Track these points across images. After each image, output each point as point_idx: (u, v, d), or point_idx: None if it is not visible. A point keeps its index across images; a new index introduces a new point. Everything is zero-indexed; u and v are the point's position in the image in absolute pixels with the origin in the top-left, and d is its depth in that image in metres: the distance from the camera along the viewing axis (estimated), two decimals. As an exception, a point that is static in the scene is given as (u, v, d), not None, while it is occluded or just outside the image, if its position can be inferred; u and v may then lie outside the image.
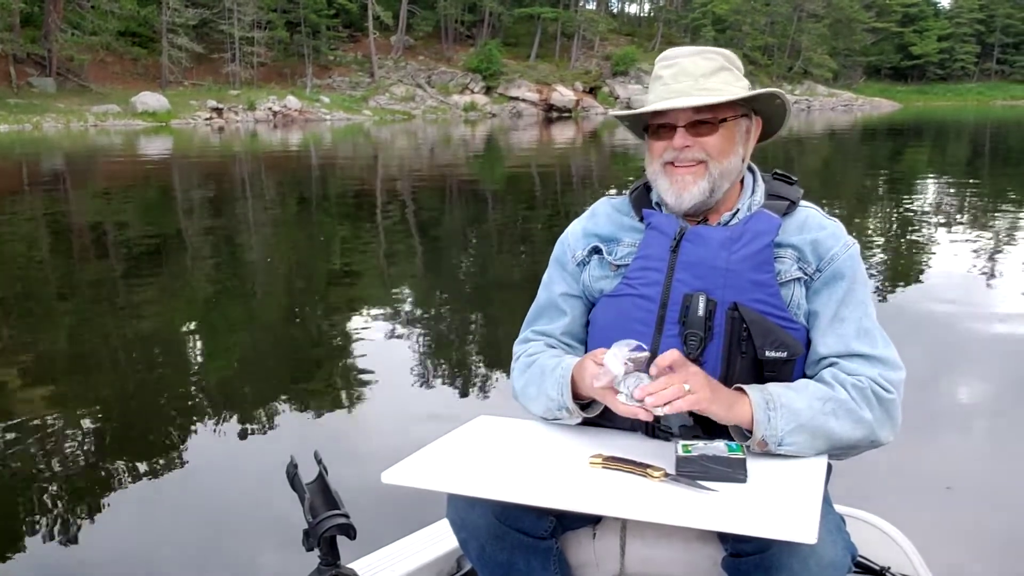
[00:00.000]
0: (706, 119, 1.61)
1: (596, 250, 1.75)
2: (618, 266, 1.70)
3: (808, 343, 1.62)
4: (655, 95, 1.65)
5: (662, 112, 1.63)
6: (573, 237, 1.80)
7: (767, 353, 1.54)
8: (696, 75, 1.61)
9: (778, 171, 1.74)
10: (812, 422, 1.49)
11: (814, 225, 1.64)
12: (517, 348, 1.82)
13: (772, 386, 1.53)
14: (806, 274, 1.61)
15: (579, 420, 1.66)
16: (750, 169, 1.73)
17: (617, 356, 1.46)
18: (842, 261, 1.61)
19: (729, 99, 1.60)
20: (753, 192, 1.69)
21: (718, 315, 1.56)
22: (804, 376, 1.63)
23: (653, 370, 1.48)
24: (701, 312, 1.56)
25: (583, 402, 1.63)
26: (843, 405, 1.51)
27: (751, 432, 1.48)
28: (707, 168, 1.62)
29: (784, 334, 1.55)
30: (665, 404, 1.42)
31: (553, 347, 1.77)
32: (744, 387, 1.52)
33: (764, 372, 1.56)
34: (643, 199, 1.75)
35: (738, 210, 1.67)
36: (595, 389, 1.52)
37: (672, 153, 1.63)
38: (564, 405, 1.62)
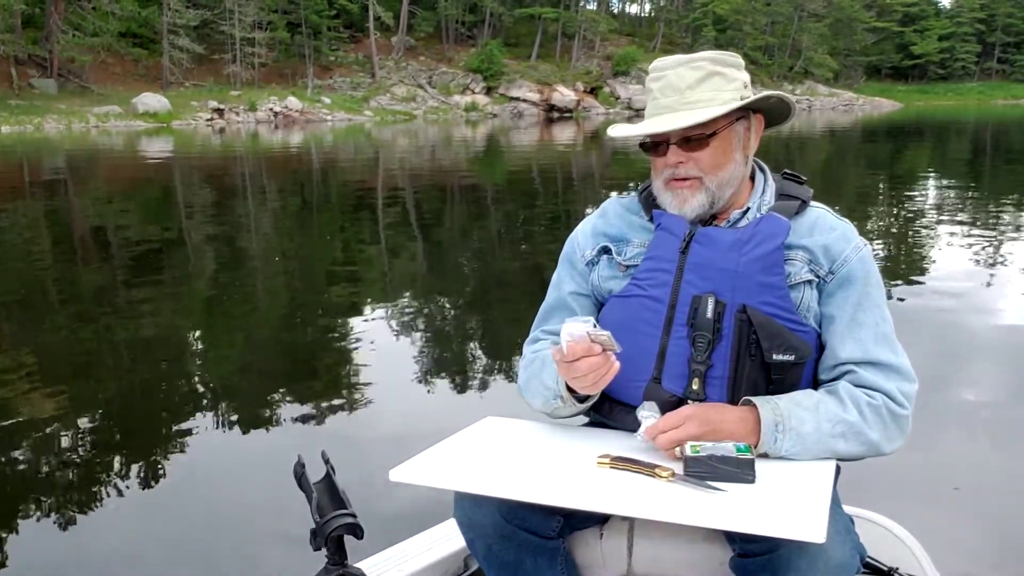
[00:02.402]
0: (695, 135, 1.61)
1: (605, 250, 1.74)
2: (627, 266, 1.70)
3: (819, 346, 1.61)
4: (647, 110, 1.66)
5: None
6: (583, 236, 1.80)
7: (775, 356, 1.53)
8: (681, 88, 1.60)
9: (787, 171, 1.73)
10: (818, 444, 1.50)
11: (825, 227, 1.63)
12: (527, 348, 1.83)
13: (784, 404, 1.51)
14: (818, 276, 1.60)
15: (574, 411, 1.66)
16: (760, 168, 1.73)
17: (571, 334, 1.48)
18: (854, 263, 1.60)
19: (711, 117, 1.58)
20: (763, 191, 1.68)
21: (727, 317, 1.55)
22: (815, 377, 1.63)
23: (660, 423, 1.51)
24: (710, 314, 1.55)
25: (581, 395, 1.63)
26: (852, 428, 1.51)
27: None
28: (702, 183, 1.62)
29: (793, 337, 1.55)
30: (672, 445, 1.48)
31: None
32: (756, 404, 1.51)
33: (772, 375, 1.55)
34: (652, 199, 1.74)
35: (748, 209, 1.66)
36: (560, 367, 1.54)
37: (669, 170, 1.64)
38: (559, 393, 1.62)
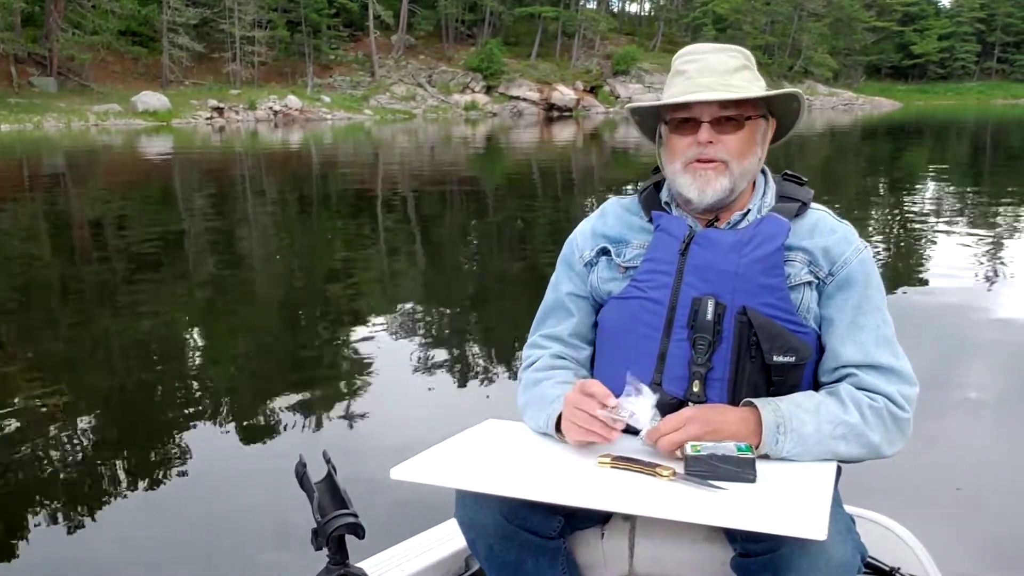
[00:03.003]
0: (732, 116, 1.59)
1: (604, 251, 1.73)
2: (626, 268, 1.69)
3: (819, 348, 1.61)
4: (678, 89, 1.62)
5: (686, 106, 1.60)
6: (582, 237, 1.79)
7: (775, 358, 1.53)
8: (721, 71, 1.60)
9: (788, 172, 1.73)
10: (819, 446, 1.49)
11: (825, 229, 1.63)
12: (526, 353, 1.82)
13: (785, 405, 1.51)
14: (818, 278, 1.60)
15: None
16: (761, 170, 1.72)
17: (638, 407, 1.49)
18: (854, 265, 1.60)
19: (759, 96, 1.59)
20: (764, 193, 1.68)
21: (727, 319, 1.55)
22: (815, 379, 1.63)
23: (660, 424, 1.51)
24: (710, 316, 1.55)
25: None
26: (853, 430, 1.50)
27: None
28: (728, 167, 1.60)
29: (793, 339, 1.54)
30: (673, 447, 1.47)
31: (561, 356, 1.76)
32: (757, 405, 1.51)
33: (772, 376, 1.55)
34: (652, 199, 1.74)
35: (749, 211, 1.65)
36: (570, 435, 1.55)
37: (696, 150, 1.60)
38: (548, 434, 1.63)
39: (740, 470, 1.39)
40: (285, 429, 4.10)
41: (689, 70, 1.62)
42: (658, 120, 1.70)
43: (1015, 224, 10.52)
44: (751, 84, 1.61)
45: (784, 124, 1.71)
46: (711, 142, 1.59)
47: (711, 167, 1.60)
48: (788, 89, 1.63)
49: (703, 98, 1.57)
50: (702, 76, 1.60)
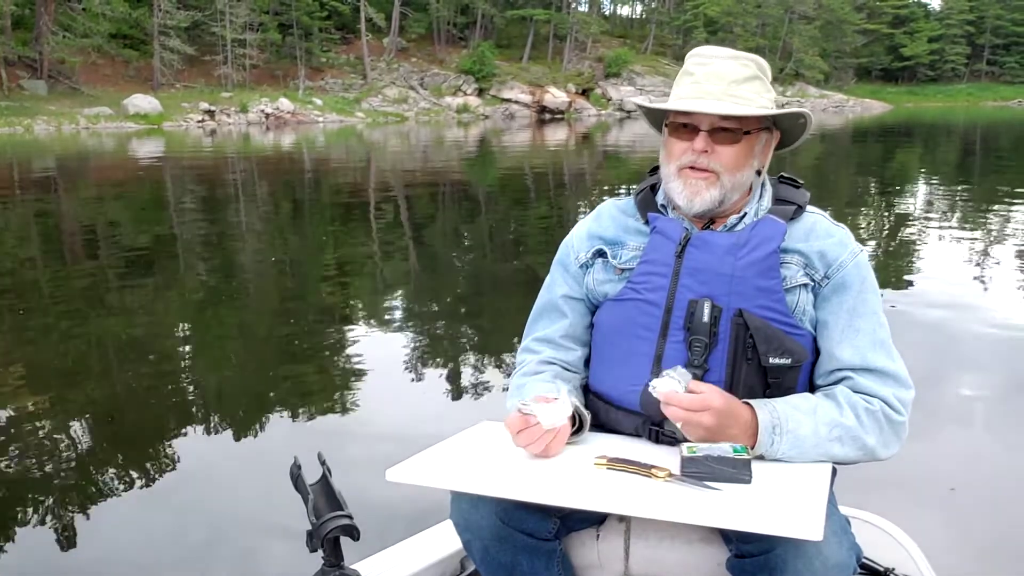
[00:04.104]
0: (730, 128, 1.60)
1: (600, 253, 1.74)
2: (623, 270, 1.70)
3: (815, 350, 1.62)
4: (684, 91, 1.63)
5: (687, 112, 1.61)
6: (577, 239, 1.80)
7: (771, 360, 1.53)
8: (728, 80, 1.59)
9: (784, 175, 1.73)
10: (815, 448, 1.50)
11: (821, 232, 1.64)
12: (519, 358, 1.83)
13: (782, 407, 1.52)
14: (813, 280, 1.60)
15: None
16: (757, 171, 1.72)
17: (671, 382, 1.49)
18: (850, 268, 1.61)
19: (758, 113, 1.59)
20: (760, 196, 1.68)
21: (723, 321, 1.55)
22: (811, 380, 1.63)
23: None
24: (706, 318, 1.55)
25: None
26: (849, 432, 1.51)
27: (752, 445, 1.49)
28: (720, 179, 1.61)
29: (789, 341, 1.55)
30: (678, 420, 1.47)
31: (550, 361, 1.76)
32: (754, 407, 1.51)
33: (769, 379, 1.56)
34: (648, 201, 1.74)
35: (745, 214, 1.66)
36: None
37: (690, 157, 1.61)
38: None
39: (736, 471, 1.40)
40: (280, 431, 4.09)
41: (697, 73, 1.62)
42: (663, 116, 1.70)
43: (1006, 225, 10.57)
44: (759, 96, 1.61)
45: (790, 135, 1.71)
46: (706, 151, 1.60)
47: (702, 176, 1.61)
48: (794, 109, 1.63)
49: (701, 109, 1.58)
50: (708, 82, 1.60)
